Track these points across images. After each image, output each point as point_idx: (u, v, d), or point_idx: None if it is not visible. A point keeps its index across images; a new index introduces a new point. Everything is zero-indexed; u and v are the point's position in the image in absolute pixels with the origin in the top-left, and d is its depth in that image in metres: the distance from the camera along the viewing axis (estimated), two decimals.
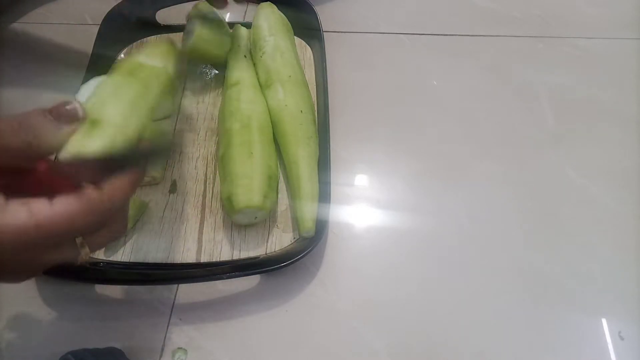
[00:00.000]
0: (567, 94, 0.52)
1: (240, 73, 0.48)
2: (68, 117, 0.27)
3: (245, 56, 0.50)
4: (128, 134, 0.30)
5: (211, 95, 0.51)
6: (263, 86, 0.48)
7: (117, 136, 0.29)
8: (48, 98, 0.50)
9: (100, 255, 0.40)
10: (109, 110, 0.30)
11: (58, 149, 0.26)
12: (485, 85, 0.53)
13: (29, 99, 0.51)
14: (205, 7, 0.48)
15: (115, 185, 0.26)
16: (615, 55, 0.55)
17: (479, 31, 0.58)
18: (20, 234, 0.23)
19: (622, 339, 0.37)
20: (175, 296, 0.39)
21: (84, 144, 0.27)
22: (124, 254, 0.41)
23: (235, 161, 0.41)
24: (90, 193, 0.25)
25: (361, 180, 0.46)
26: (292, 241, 0.41)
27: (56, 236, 0.24)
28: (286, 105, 0.45)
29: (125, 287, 0.39)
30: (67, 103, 0.27)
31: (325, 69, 0.50)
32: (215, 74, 0.52)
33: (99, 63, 0.51)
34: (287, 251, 0.40)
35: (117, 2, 0.55)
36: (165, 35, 0.56)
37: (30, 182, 0.25)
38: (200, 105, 0.50)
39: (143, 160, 0.31)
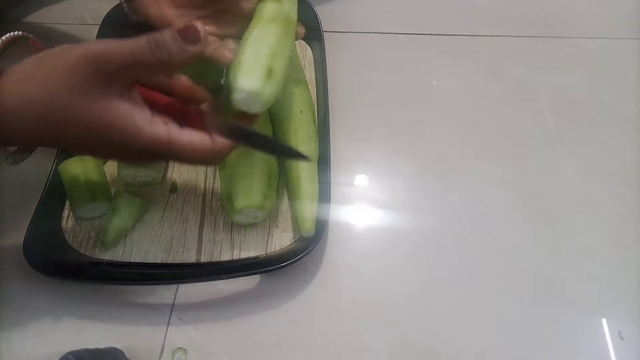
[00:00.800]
0: (567, 94, 0.52)
1: None
2: (194, 40, 0.30)
3: None
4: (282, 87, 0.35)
5: None
6: None
7: (280, 89, 0.35)
8: None
9: (100, 255, 0.41)
10: (278, 63, 0.35)
11: (182, 67, 0.31)
12: (486, 85, 0.53)
13: None
14: None
15: (226, 143, 0.33)
16: (615, 55, 0.55)
17: (479, 31, 0.58)
18: (155, 142, 0.30)
19: (622, 339, 0.37)
20: (175, 296, 0.39)
21: (262, 87, 0.33)
22: (124, 254, 0.41)
23: (235, 161, 0.41)
24: (207, 140, 0.32)
25: (361, 180, 0.46)
26: (292, 241, 0.41)
27: (175, 156, 0.32)
28: (286, 105, 0.45)
29: (125, 287, 0.39)
30: (193, 26, 0.30)
31: (325, 69, 0.50)
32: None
33: None
34: (287, 251, 0.40)
35: (117, 2, 0.55)
36: None
37: (167, 109, 0.32)
38: None
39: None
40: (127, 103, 0.30)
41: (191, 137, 0.32)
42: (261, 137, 0.35)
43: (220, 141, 0.32)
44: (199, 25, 0.31)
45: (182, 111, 0.32)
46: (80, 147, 0.33)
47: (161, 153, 0.32)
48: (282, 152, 0.38)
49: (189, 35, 0.31)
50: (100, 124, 0.29)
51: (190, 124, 0.32)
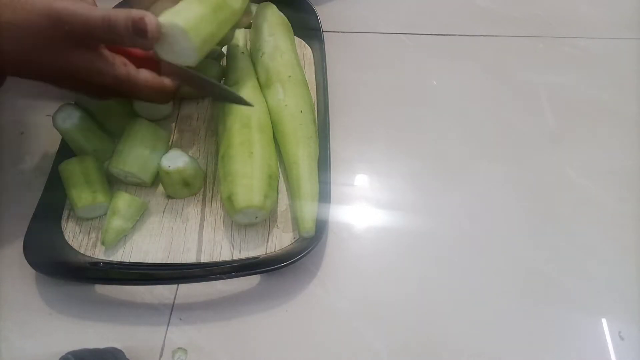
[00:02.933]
0: (567, 94, 0.52)
1: (239, 73, 0.48)
2: (142, 34, 0.34)
3: (242, 52, 0.50)
4: (208, 29, 0.39)
5: None
6: (263, 86, 0.48)
7: (201, 22, 0.38)
8: (48, 101, 0.50)
9: (100, 255, 0.41)
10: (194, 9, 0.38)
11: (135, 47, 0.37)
12: (485, 85, 0.53)
13: (30, 100, 0.51)
14: None
15: (174, 83, 0.40)
16: (615, 55, 0.55)
17: (479, 31, 0.58)
18: (118, 80, 0.37)
19: (622, 339, 0.37)
20: (175, 296, 0.39)
21: (175, 17, 0.36)
22: (124, 254, 0.41)
23: (235, 161, 0.41)
24: (159, 79, 0.39)
25: (361, 180, 0.46)
26: (292, 241, 0.41)
27: (134, 92, 0.39)
28: (286, 105, 0.45)
29: (125, 287, 0.39)
30: (146, 19, 0.34)
31: (325, 69, 0.50)
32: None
33: None
34: (287, 251, 0.40)
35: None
36: None
37: (128, 57, 0.38)
38: (200, 105, 0.50)
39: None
40: (89, 52, 0.35)
41: (146, 76, 0.38)
42: (206, 81, 0.42)
43: (168, 81, 0.39)
44: (152, 19, 0.34)
45: (141, 58, 0.38)
46: (52, 80, 0.38)
47: (122, 88, 0.38)
48: (224, 97, 0.44)
49: (138, 29, 0.33)
50: (68, 66, 0.35)
51: (147, 67, 0.38)
